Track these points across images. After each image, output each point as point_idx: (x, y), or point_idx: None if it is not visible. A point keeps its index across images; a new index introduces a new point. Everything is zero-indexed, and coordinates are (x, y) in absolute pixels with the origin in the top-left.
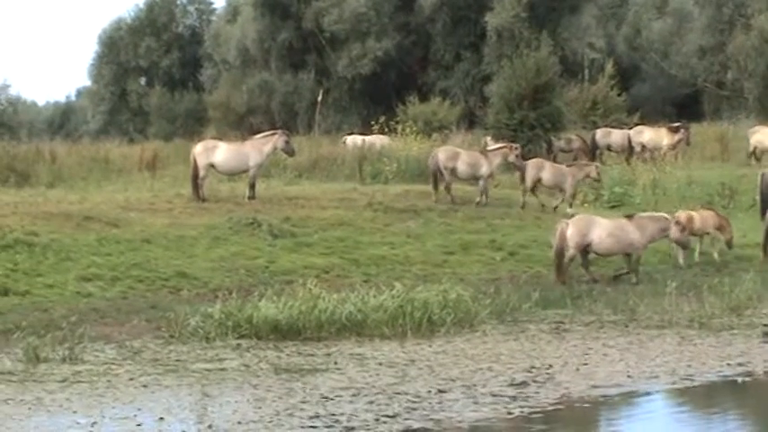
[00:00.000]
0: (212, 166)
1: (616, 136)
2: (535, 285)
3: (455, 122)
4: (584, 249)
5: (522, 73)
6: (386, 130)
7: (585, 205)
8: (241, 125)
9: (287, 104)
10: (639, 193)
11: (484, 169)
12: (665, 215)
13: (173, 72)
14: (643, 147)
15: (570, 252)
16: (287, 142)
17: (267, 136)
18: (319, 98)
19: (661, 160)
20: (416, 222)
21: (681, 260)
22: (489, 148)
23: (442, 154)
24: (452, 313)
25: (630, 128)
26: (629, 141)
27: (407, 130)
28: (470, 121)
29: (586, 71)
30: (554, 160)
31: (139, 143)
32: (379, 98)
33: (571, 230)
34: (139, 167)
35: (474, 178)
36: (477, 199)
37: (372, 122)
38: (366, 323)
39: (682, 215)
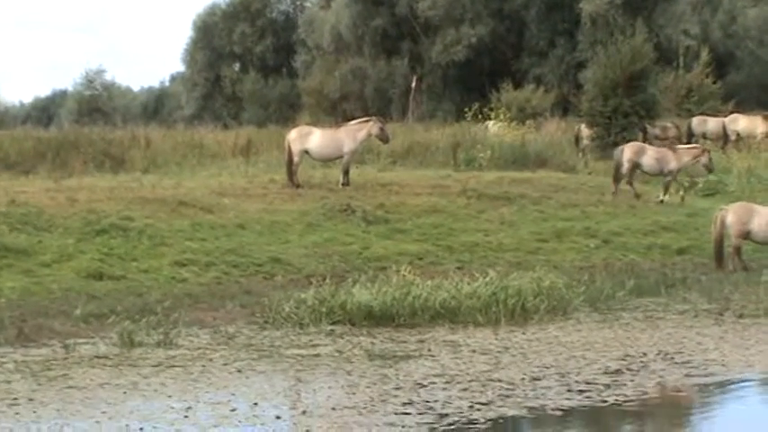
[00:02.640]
0: (306, 152)
1: (712, 124)
2: (629, 273)
3: (549, 109)
4: (744, 238)
5: (616, 60)
6: (479, 116)
7: (681, 193)
8: (334, 111)
9: (380, 91)
10: (734, 181)
11: (672, 165)
12: None
13: (266, 58)
14: (738, 135)
15: (734, 241)
16: (382, 129)
17: (361, 122)
18: (413, 84)
19: (756, 148)
20: (510, 209)
21: None
22: (680, 146)
23: (628, 149)
24: (546, 301)
25: (725, 116)
26: (724, 129)
27: (501, 116)
28: (564, 107)
29: (681, 58)
30: None
31: (233, 129)
32: (472, 85)
33: (731, 218)
34: (233, 153)
35: (661, 174)
36: (660, 197)
37: (466, 109)
38: (459, 310)
39: None
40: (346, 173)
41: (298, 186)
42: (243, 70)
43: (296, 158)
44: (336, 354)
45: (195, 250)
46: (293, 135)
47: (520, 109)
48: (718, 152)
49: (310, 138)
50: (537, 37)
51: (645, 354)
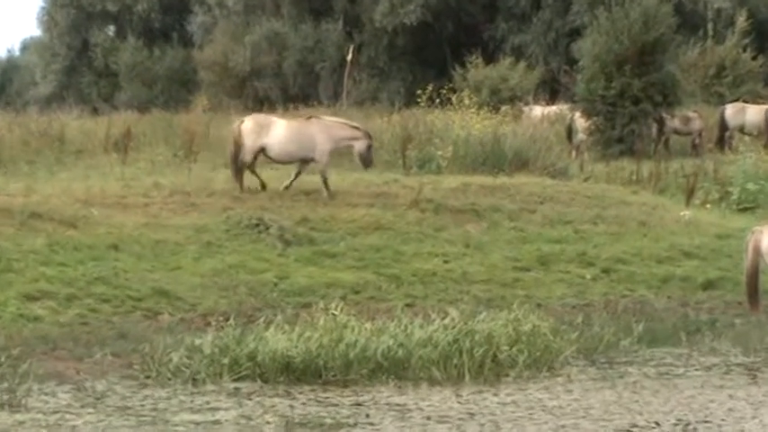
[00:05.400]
0: (263, 149)
1: (752, 113)
2: (638, 314)
3: (532, 92)
4: None
5: (623, 27)
6: (437, 100)
7: (708, 206)
8: (242, 91)
9: (305, 64)
10: None
11: None
12: None
13: (151, 19)
14: None
15: None
16: (369, 148)
17: (343, 122)
18: (349, 57)
19: None
20: (479, 227)
21: None
22: None
23: None
24: (526, 351)
25: None
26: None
27: (467, 101)
28: (553, 90)
29: (710, 25)
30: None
31: (106, 115)
32: (429, 58)
33: (767, 241)
34: (106, 148)
35: None
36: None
37: (420, 90)
38: (409, 363)
39: None
40: (326, 180)
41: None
42: (119, 36)
43: (248, 156)
44: (243, 420)
45: (52, 278)
46: (249, 125)
47: (493, 91)
48: (759, 152)
49: (272, 130)
50: None
51: (658, 423)
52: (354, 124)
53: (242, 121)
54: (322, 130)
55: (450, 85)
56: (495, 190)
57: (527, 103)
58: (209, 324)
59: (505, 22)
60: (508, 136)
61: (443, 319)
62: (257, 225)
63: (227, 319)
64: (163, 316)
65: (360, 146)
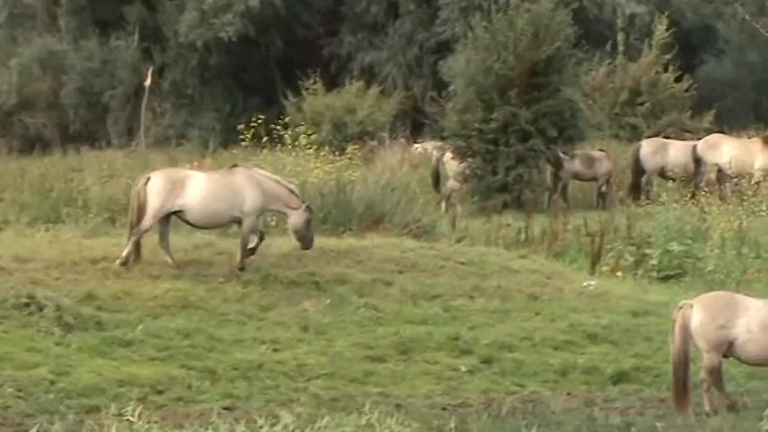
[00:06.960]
0: (179, 211)
1: (675, 152)
2: (529, 417)
3: (388, 125)
4: (723, 354)
5: (507, 40)
6: (264, 138)
7: (620, 274)
8: (7, 129)
9: (89, 93)
10: (714, 253)
11: None
12: None
13: None
14: (720, 170)
15: (706, 359)
16: (308, 222)
17: (277, 180)
18: (147, 82)
19: (752, 194)
20: (319, 304)
21: None
22: None
23: None
24: None
25: (699, 138)
26: (697, 161)
27: (303, 139)
28: (414, 122)
29: (621, 37)
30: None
31: None
32: (253, 83)
33: (700, 319)
34: None
35: None
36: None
37: (242, 125)
38: None
39: None
40: (245, 249)
41: (178, 267)
42: None
43: (149, 223)
44: None
45: None
46: (158, 183)
47: (336, 125)
48: (684, 203)
49: (188, 186)
50: None
51: None
52: (293, 188)
53: (147, 179)
54: (252, 181)
55: (282, 117)
56: (339, 255)
57: (381, 141)
58: None
59: (352, 34)
60: (357, 184)
61: (273, 425)
62: (28, 305)
63: None
64: None
65: (297, 219)
